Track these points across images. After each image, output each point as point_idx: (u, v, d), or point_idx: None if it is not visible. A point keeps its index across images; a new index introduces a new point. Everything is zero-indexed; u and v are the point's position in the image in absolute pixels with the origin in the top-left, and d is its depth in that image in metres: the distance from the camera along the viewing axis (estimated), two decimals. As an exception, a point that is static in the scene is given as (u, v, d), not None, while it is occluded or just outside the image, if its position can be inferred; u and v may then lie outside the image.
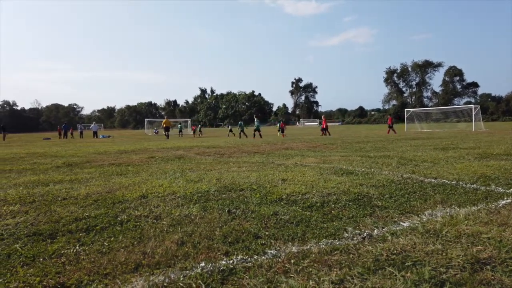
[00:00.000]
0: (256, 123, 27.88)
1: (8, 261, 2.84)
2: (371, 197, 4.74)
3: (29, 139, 39.71)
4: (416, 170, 6.93)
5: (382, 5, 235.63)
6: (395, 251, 2.83)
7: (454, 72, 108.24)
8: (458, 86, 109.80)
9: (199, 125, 48.34)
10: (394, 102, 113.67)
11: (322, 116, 30.98)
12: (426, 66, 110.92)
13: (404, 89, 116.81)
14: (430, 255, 2.74)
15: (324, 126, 27.84)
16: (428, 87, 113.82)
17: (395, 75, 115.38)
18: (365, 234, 3.28)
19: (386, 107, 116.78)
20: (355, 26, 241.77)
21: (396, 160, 8.78)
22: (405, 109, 42.52)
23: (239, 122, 30.09)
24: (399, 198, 4.63)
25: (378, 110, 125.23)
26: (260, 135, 27.19)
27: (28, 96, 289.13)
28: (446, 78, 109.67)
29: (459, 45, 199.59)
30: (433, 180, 5.82)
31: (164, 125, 31.72)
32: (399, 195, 4.83)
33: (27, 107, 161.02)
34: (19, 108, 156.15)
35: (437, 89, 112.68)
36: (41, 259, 2.85)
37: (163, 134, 32.70)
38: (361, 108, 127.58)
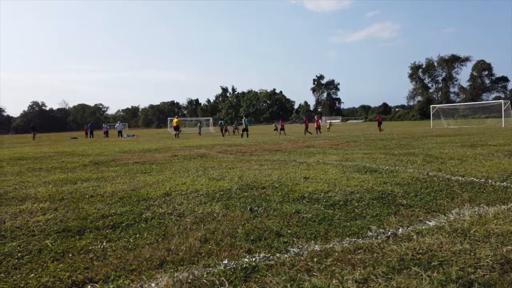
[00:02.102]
0: (244, 123, 28.16)
1: (39, 257, 2.95)
2: (395, 195, 4.66)
3: (57, 138, 41.06)
4: (442, 168, 6.75)
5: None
6: (421, 251, 2.77)
7: (483, 67, 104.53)
8: (487, 81, 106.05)
9: (235, 123, 44.50)
10: (419, 98, 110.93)
11: (316, 117, 31.17)
12: (452, 61, 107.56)
13: (429, 85, 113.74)
14: (458, 255, 2.67)
15: (317, 126, 28.37)
16: (455, 83, 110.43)
17: (420, 70, 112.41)
18: (389, 233, 3.22)
19: (411, 103, 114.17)
20: (379, 21, 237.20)
21: (422, 157, 8.58)
22: (431, 105, 41.47)
23: (220, 122, 30.96)
24: (425, 197, 4.53)
25: (402, 106, 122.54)
26: (247, 134, 27.24)
27: (56, 96, 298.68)
28: (474, 73, 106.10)
29: (488, 39, 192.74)
30: (460, 178, 5.65)
31: (174, 125, 32.09)
32: (425, 193, 4.72)
33: (55, 108, 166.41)
34: (47, 108, 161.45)
35: (465, 84, 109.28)
36: (70, 255, 2.95)
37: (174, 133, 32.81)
38: (385, 105, 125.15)
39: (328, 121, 41.89)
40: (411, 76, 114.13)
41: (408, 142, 14.11)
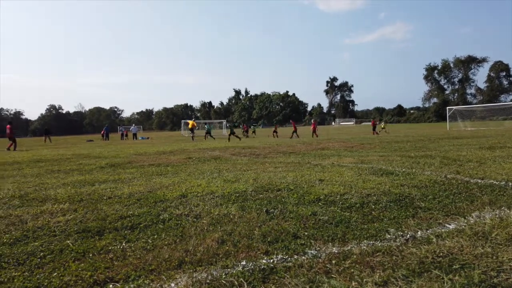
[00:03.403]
0: (207, 127, 30.49)
1: (61, 256, 3.01)
2: (413, 198, 4.60)
3: (73, 141, 41.79)
4: (461, 170, 6.64)
5: None
6: (441, 254, 2.73)
7: (500, 68, 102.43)
8: (505, 82, 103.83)
9: (253, 125, 42.83)
10: (435, 99, 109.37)
11: (312, 120, 31.09)
12: (469, 62, 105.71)
13: (445, 86, 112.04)
14: (479, 258, 2.62)
15: (314, 129, 28.24)
16: (471, 84, 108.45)
17: (435, 71, 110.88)
18: (408, 235, 3.18)
19: (427, 105, 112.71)
20: (392, 21, 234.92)
21: (439, 160, 8.45)
22: (447, 107, 40.79)
23: (206, 126, 32.06)
24: (444, 199, 4.46)
25: (418, 108, 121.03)
26: (205, 137, 29.35)
27: (72, 99, 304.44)
28: (492, 74, 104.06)
29: (505, 39, 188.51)
30: (479, 181, 5.55)
31: (190, 127, 32.40)
32: (443, 196, 4.65)
33: (71, 111, 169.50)
34: (64, 111, 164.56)
35: (482, 85, 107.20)
36: (91, 255, 3.01)
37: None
38: (399, 107, 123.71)
39: (382, 122, 41.61)
40: (426, 77, 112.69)
41: (424, 144, 13.91)
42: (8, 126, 21.88)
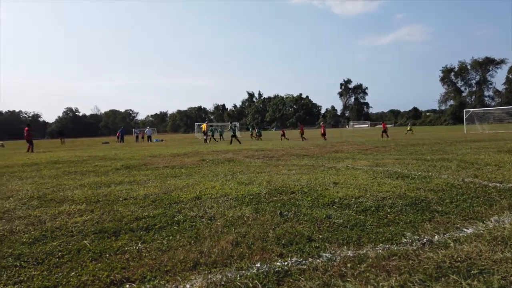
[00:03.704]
0: (211, 130, 31.01)
1: (78, 256, 3.07)
2: (429, 201, 4.53)
3: (89, 143, 42.46)
4: (478, 174, 6.51)
5: (436, 0, 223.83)
6: (459, 259, 2.68)
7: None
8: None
9: (257, 128, 40.91)
10: (451, 102, 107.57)
11: (321, 123, 30.93)
12: (487, 64, 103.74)
13: (462, 88, 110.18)
14: (499, 263, 2.56)
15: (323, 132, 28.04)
16: (489, 86, 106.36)
17: (452, 73, 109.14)
18: (425, 240, 3.14)
19: (443, 107, 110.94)
20: (408, 23, 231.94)
21: (456, 163, 8.30)
22: (464, 110, 40.03)
23: (211, 128, 32.35)
24: (461, 203, 4.38)
25: (434, 111, 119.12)
26: (209, 140, 29.42)
27: (88, 102, 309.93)
28: (510, 76, 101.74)
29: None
30: (498, 185, 5.43)
31: (203, 129, 32.55)
32: (461, 200, 4.56)
33: (88, 113, 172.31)
34: (80, 114, 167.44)
35: (500, 87, 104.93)
36: (107, 255, 3.05)
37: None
38: (415, 109, 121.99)
39: (408, 125, 41.51)
40: (442, 79, 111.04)
41: (440, 148, 13.69)
42: (26, 128, 22.40)
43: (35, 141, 24.54)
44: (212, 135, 30.69)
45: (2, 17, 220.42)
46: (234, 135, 26.39)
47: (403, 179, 6.24)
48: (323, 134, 27.80)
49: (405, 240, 3.16)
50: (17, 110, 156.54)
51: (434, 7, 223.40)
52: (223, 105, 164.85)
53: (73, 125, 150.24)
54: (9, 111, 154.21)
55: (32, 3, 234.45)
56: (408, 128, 37.64)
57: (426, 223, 3.63)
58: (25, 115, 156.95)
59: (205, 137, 31.63)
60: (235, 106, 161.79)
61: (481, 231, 3.30)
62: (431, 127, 77.78)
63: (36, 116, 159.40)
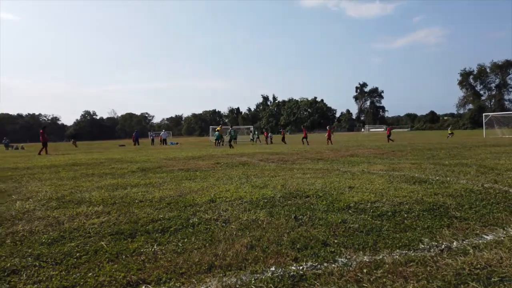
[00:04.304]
0: (216, 134, 29.79)
1: (95, 257, 3.11)
2: (448, 207, 4.44)
3: (106, 145, 43.15)
4: (499, 180, 6.35)
5: (454, 2, 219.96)
6: (478, 266, 2.62)
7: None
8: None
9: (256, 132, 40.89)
10: (470, 106, 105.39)
11: (328, 127, 30.64)
12: (507, 67, 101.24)
13: (481, 92, 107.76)
14: (521, 272, 2.49)
15: (329, 136, 27.80)
16: (510, 89, 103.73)
17: (471, 77, 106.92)
18: (443, 246, 3.07)
19: (461, 111, 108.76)
20: (425, 26, 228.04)
21: (475, 168, 8.12)
22: (484, 114, 39.16)
23: (216, 133, 31.12)
24: (481, 209, 4.28)
25: (452, 115, 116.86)
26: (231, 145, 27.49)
27: (106, 106, 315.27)
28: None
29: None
30: (520, 191, 5.28)
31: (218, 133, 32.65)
32: (480, 206, 4.46)
33: (105, 117, 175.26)
34: (98, 117, 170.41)
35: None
36: (124, 256, 3.09)
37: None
38: (432, 113, 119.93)
39: (449, 128, 41.20)
40: (461, 83, 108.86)
41: (459, 152, 13.42)
42: (41, 131, 22.68)
43: (53, 143, 25.12)
44: (217, 139, 30.37)
45: (24, 23, 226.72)
46: (231, 139, 26.50)
47: (420, 184, 6.14)
48: (328, 139, 27.67)
49: (422, 246, 3.10)
50: (36, 113, 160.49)
51: (451, 9, 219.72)
52: (238, 109, 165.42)
53: (90, 128, 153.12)
54: (29, 114, 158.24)
55: (52, 8, 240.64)
56: (450, 132, 37.20)
57: (444, 229, 3.56)
58: (44, 118, 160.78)
59: (218, 140, 31.73)
60: (249, 109, 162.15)
61: (502, 238, 3.22)
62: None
63: (55, 119, 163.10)
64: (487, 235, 3.34)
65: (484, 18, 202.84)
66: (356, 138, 44.50)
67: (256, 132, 38.33)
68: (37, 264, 2.98)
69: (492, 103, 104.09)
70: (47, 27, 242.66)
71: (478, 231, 3.47)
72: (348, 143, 26.45)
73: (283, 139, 31.34)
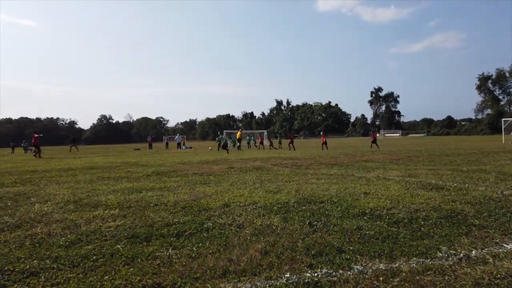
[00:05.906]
0: (221, 137, 29.43)
1: (112, 260, 3.15)
2: (466, 214, 4.35)
3: (122, 149, 43.75)
4: (519, 187, 6.19)
5: (472, 6, 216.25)
6: (498, 276, 2.55)
7: None
8: None
9: (278, 137, 40.69)
10: (488, 111, 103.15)
11: (321, 133, 30.12)
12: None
13: (500, 97, 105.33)
14: (544, 283, 2.42)
15: (324, 141, 27.31)
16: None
17: (489, 81, 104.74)
18: (461, 254, 3.01)
19: (479, 116, 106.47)
20: (442, 30, 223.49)
21: (494, 175, 7.94)
22: (503, 119, 38.26)
23: (220, 136, 30.79)
24: (500, 217, 4.17)
25: (470, 120, 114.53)
26: (228, 150, 26.54)
27: (122, 110, 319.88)
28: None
29: None
30: (541, 199, 5.14)
31: (237, 137, 32.73)
32: (500, 213, 4.35)
33: (121, 121, 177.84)
34: (114, 121, 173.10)
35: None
36: (139, 260, 3.12)
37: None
38: (449, 118, 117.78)
39: (510, 134, 40.09)
40: (479, 87, 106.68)
41: (477, 158, 13.14)
42: (35, 135, 25.02)
43: (65, 147, 26.38)
44: (220, 144, 30.05)
45: (43, 30, 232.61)
46: (234, 144, 26.58)
47: (437, 191, 6.03)
48: (324, 143, 27.24)
49: (440, 254, 3.04)
50: (55, 117, 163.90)
51: (468, 13, 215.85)
52: (251, 113, 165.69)
53: (107, 131, 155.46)
54: (47, 118, 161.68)
55: (69, 14, 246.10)
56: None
57: (462, 237, 3.48)
58: (62, 122, 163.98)
59: (238, 144, 31.70)
60: (263, 114, 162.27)
61: (523, 248, 3.13)
62: (466, 136, 74.89)
63: (72, 123, 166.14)
64: (507, 244, 3.25)
65: (503, 22, 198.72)
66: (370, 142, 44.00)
67: (278, 137, 38.11)
68: (55, 266, 3.03)
69: (511, 108, 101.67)
70: (67, 34, 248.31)
71: (497, 240, 3.39)
72: (363, 148, 26.19)
73: (290, 143, 30.28)
